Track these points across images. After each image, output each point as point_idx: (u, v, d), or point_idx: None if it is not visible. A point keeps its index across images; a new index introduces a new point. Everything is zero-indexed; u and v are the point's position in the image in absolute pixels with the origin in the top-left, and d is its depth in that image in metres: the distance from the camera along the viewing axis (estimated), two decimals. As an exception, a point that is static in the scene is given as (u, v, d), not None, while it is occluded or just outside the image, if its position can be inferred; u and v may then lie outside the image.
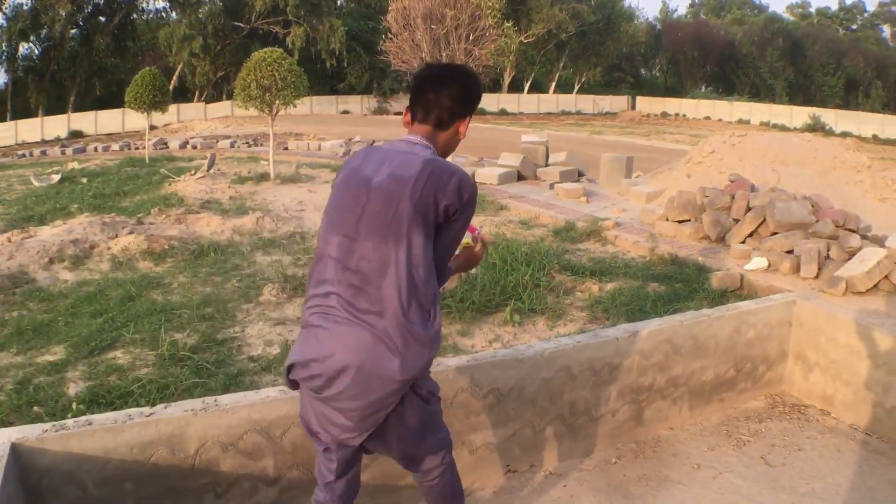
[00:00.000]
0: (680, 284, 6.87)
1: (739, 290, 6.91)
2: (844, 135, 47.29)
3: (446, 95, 2.78)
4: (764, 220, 8.11)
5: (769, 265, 7.46)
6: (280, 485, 3.24)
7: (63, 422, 2.92)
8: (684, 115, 61.89)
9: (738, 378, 4.61)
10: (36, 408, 4.38)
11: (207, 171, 15.69)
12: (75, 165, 19.94)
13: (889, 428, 4.21)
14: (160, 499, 3.05)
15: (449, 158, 4.14)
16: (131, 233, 8.85)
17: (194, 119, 46.10)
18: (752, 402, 4.71)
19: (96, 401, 4.36)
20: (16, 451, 2.80)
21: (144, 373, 4.84)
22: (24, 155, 28.91)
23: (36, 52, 52.47)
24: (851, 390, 4.40)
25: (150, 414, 3.03)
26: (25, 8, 48.81)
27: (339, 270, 2.56)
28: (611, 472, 3.81)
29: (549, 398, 3.78)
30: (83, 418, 2.99)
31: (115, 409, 3.37)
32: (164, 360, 5.00)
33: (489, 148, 21.31)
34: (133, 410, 3.05)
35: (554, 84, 67.76)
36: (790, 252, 7.57)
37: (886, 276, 6.81)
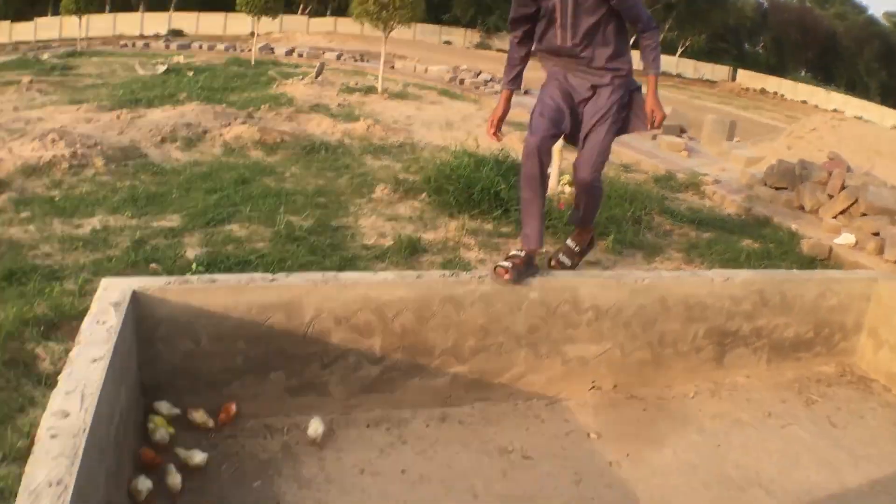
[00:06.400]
0: (773, 245, 6.96)
1: (827, 260, 7.02)
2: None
3: None
4: (856, 200, 8.29)
5: (856, 242, 7.65)
6: (384, 364, 3.41)
7: (186, 276, 3.09)
8: (782, 95, 60.26)
9: (816, 341, 4.68)
10: (153, 265, 4.61)
11: (316, 77, 15.87)
12: (181, 60, 20.18)
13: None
14: (269, 360, 3.23)
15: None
16: (244, 123, 9.07)
17: (296, 31, 46.05)
18: (824, 366, 4.79)
19: (215, 264, 4.59)
20: (137, 298, 2.95)
21: (261, 246, 5.05)
22: (126, 45, 29.07)
23: (141, -57, 52.39)
24: (914, 372, 4.47)
25: (273, 279, 3.19)
26: None
27: None
28: (688, 405, 3.96)
29: (641, 325, 3.92)
30: (206, 276, 3.14)
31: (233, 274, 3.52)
32: (280, 238, 5.19)
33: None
34: (256, 275, 3.21)
35: (657, 43, 66.57)
36: (876, 234, 7.73)
37: (964, 266, 6.92)
